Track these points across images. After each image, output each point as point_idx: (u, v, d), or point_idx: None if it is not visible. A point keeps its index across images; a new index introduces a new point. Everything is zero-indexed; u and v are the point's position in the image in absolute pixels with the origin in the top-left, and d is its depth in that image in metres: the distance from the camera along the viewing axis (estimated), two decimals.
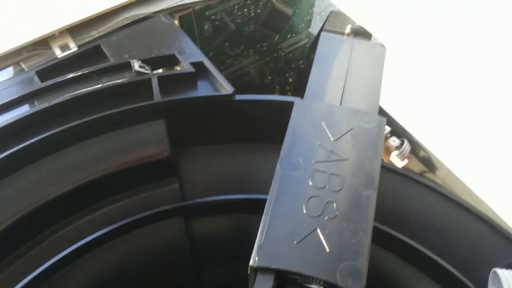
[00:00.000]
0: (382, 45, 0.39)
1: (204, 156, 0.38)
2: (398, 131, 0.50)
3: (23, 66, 0.40)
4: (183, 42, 0.38)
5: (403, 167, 0.55)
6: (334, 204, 0.29)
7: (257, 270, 0.26)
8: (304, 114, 0.33)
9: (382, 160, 0.47)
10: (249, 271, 0.27)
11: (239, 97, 0.35)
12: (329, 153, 0.31)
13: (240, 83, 0.65)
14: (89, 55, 0.38)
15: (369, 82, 0.37)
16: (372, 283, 0.35)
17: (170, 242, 0.38)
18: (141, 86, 0.35)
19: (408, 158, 0.57)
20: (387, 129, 0.57)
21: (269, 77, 0.69)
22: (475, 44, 0.46)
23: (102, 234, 0.35)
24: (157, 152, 0.35)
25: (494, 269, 0.30)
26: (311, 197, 0.29)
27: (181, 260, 0.39)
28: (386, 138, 0.58)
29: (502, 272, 0.29)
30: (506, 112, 0.41)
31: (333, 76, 0.37)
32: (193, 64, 0.36)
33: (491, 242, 0.35)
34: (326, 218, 0.28)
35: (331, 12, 0.53)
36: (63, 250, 0.34)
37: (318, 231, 0.27)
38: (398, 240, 0.34)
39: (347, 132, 0.32)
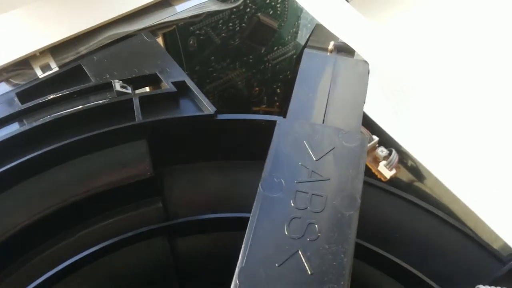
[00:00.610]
0: (365, 62, 0.40)
1: (187, 174, 0.38)
2: (386, 141, 0.50)
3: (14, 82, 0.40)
4: (165, 60, 0.38)
5: (392, 177, 0.55)
6: (316, 226, 0.29)
7: None
8: (286, 133, 0.33)
9: (369, 170, 0.47)
10: None
11: (221, 116, 0.35)
12: (311, 173, 0.31)
13: (227, 95, 0.65)
14: (70, 75, 0.37)
15: (352, 100, 0.37)
16: None
17: (155, 261, 0.38)
18: (123, 106, 0.35)
19: (396, 167, 0.57)
20: (375, 139, 0.57)
21: (257, 89, 0.69)
22: (461, 53, 0.46)
23: (86, 255, 0.35)
24: (140, 172, 0.35)
25: (477, 286, 0.30)
26: (293, 218, 0.29)
27: (166, 279, 0.39)
28: (374, 148, 0.58)
29: None
30: (493, 121, 0.42)
31: (316, 94, 0.37)
32: (175, 83, 0.36)
33: (476, 258, 0.35)
34: (307, 239, 0.28)
35: (317, 25, 0.53)
36: (45, 273, 0.33)
37: (300, 253, 0.27)
38: (382, 257, 0.34)
39: (329, 151, 0.32)
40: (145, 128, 0.34)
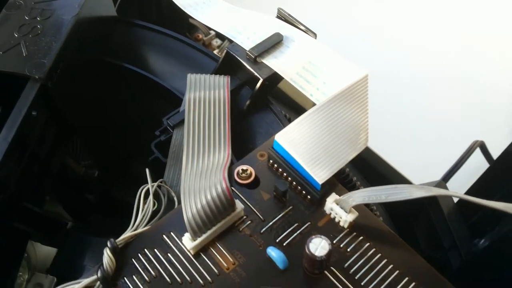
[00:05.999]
0: None
1: None
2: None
3: None
4: None
5: None
6: (39, 26, 0.37)
7: None
8: None
9: None
10: None
11: None
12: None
13: None
14: None
15: None
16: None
17: None
18: None
19: None
20: (212, 33, 0.66)
21: None
22: None
23: None
24: None
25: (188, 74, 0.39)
26: (23, 25, 0.38)
27: None
28: (211, 40, 0.67)
29: (189, 76, 0.38)
30: None
31: None
32: None
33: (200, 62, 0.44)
34: (30, 36, 0.37)
35: None
36: None
37: (21, 45, 0.36)
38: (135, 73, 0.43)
39: None
40: None
